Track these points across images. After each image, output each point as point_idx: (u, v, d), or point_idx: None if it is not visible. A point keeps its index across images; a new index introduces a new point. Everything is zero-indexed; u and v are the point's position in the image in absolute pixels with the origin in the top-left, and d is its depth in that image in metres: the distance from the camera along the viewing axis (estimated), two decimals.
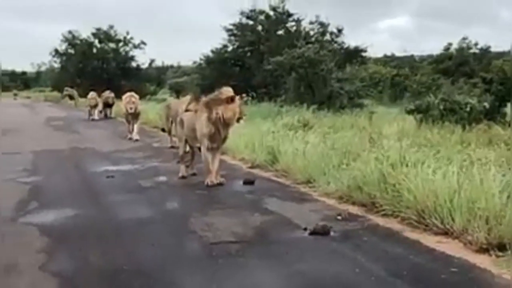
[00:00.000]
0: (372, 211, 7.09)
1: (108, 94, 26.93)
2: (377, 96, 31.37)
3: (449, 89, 26.25)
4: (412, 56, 59.50)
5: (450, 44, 49.60)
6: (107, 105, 27.06)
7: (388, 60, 54.62)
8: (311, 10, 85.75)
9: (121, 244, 6.26)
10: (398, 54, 54.63)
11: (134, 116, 17.07)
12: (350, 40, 34.94)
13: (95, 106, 27.13)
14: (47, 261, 5.73)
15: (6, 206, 8.27)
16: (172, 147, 13.95)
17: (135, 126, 17.04)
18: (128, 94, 17.55)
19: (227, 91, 9.13)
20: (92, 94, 27.78)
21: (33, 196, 9.06)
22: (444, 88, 28.32)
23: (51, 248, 6.16)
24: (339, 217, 6.93)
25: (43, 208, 8.17)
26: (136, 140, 16.46)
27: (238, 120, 9.30)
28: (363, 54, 34.27)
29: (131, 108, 16.95)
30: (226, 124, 9.15)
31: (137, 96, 17.59)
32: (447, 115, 13.39)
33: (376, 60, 47.47)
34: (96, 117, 26.62)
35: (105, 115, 27.17)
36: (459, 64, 44.84)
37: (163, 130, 15.62)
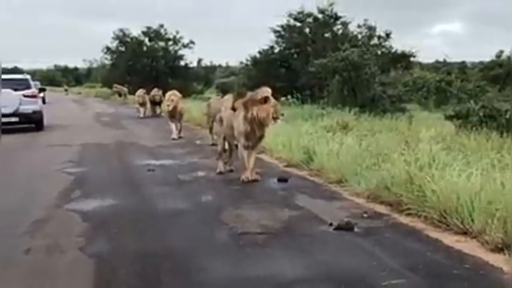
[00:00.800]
0: (397, 210, 7.33)
1: (156, 92, 26.84)
2: (422, 102, 31.28)
3: (492, 96, 26.02)
4: (463, 62, 58.76)
5: (501, 51, 48.90)
6: (155, 103, 27.02)
7: (438, 65, 54.03)
8: (363, 13, 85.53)
9: (155, 231, 6.69)
10: (449, 59, 53.91)
11: (174, 114, 17.23)
12: (400, 44, 34.64)
13: (144, 103, 27.21)
14: (86, 243, 6.20)
15: (51, 194, 8.86)
16: (213, 144, 14.34)
17: (178, 125, 17.19)
18: (169, 92, 17.78)
19: (263, 91, 9.45)
20: (140, 91, 27.89)
21: (77, 185, 9.64)
22: (488, 95, 28.05)
23: (91, 233, 6.65)
24: (364, 215, 7.21)
25: (85, 196, 8.72)
26: (173, 139, 16.62)
27: (274, 119, 9.59)
28: (412, 59, 34.18)
29: (168, 106, 17.28)
30: (261, 123, 9.46)
31: (178, 95, 17.52)
32: (487, 121, 13.45)
33: (426, 65, 47.11)
34: (141, 114, 26.64)
35: (153, 113, 27.04)
36: (509, 72, 44.17)
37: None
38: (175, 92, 17.80)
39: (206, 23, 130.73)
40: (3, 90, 18.21)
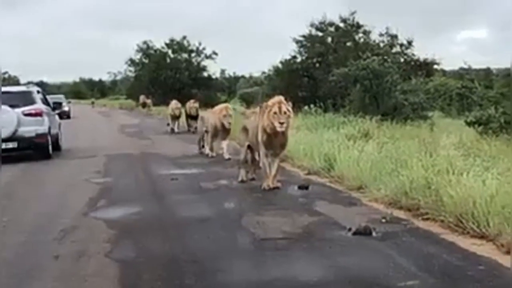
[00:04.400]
0: (415, 215, 7.46)
1: (192, 103, 23.44)
2: (445, 109, 31.23)
3: None
4: (488, 69, 58.23)
5: None
6: (191, 116, 22.99)
7: (463, 72, 53.63)
8: (385, 20, 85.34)
9: (178, 237, 6.92)
10: (474, 66, 53.56)
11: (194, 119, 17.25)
12: (423, 51, 34.47)
13: (178, 117, 24.54)
14: (112, 249, 6.45)
15: (79, 203, 9.17)
16: (202, 153, 15.35)
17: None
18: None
19: (273, 100, 9.67)
20: (175, 103, 25.20)
21: (103, 194, 9.95)
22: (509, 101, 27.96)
23: (116, 239, 6.90)
24: (383, 220, 7.34)
25: (111, 205, 9.05)
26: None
27: (281, 124, 9.50)
28: (435, 66, 34.14)
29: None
30: (273, 132, 9.61)
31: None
32: (507, 127, 13.53)
33: (449, 72, 46.92)
34: (175, 129, 24.21)
35: (188, 128, 23.34)
36: None
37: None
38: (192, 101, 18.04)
39: (229, 34, 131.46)
40: None
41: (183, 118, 24.36)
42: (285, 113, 9.51)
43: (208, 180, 11.11)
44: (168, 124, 24.86)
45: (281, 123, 9.46)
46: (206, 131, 15.31)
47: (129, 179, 11.68)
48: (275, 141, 9.77)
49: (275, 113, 9.46)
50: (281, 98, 9.75)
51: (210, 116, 15.02)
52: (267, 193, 9.56)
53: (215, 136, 14.79)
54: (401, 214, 7.68)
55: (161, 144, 19.07)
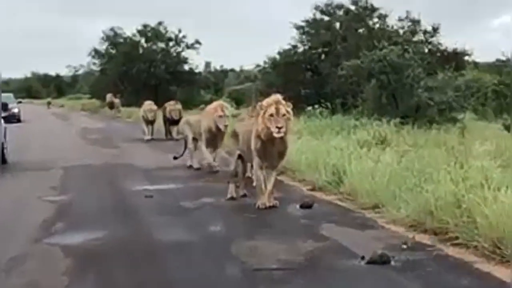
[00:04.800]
0: (443, 240, 7.47)
1: (174, 105, 23.51)
2: (479, 110, 31.20)
3: None
4: None
5: None
6: (171, 121, 23.13)
7: (500, 65, 53.54)
8: (405, 4, 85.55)
9: (153, 268, 6.89)
10: None
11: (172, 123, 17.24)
12: (452, 39, 34.61)
13: (153, 121, 24.29)
14: (70, 283, 6.41)
15: (30, 226, 9.15)
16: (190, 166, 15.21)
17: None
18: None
19: (269, 100, 9.67)
20: (149, 104, 24.91)
21: (60, 215, 9.95)
22: None
23: (75, 270, 6.86)
24: (403, 246, 7.34)
25: (69, 228, 9.01)
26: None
27: (279, 129, 9.51)
28: (466, 58, 34.26)
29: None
30: (270, 139, 9.62)
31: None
32: None
33: (483, 65, 46.97)
34: (148, 136, 23.94)
35: (167, 135, 23.68)
36: None
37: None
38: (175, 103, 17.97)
39: (215, 20, 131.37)
40: None
41: (160, 122, 24.40)
42: (283, 115, 9.52)
43: (189, 197, 11.12)
44: (144, 133, 24.38)
45: (279, 128, 9.44)
46: (195, 138, 15.22)
47: (92, 197, 11.65)
48: (272, 149, 9.77)
49: (271, 115, 9.47)
50: (279, 97, 9.75)
51: (203, 119, 14.59)
52: (262, 212, 9.58)
53: (210, 143, 14.54)
54: (425, 238, 7.68)
55: (132, 153, 19.06)
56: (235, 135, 10.86)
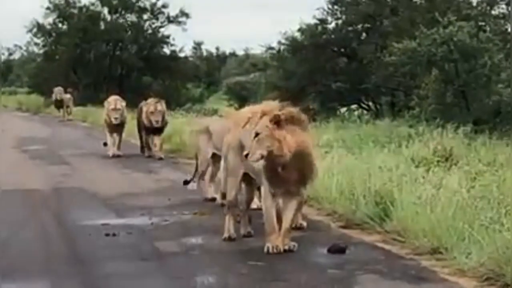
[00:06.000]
0: None
1: (155, 104, 22.23)
2: None
3: None
4: None
5: None
6: (151, 129, 22.25)
7: None
8: None
9: None
10: None
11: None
12: None
13: (120, 126, 23.30)
14: None
15: None
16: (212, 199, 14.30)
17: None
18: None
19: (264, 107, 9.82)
20: (115, 101, 23.71)
21: None
22: None
23: None
24: None
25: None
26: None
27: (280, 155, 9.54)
28: None
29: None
30: (279, 159, 9.59)
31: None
32: None
33: None
34: (113, 151, 23.05)
35: (143, 148, 23.16)
36: None
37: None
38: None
39: None
40: None
41: (132, 129, 24.28)
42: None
43: (169, 236, 11.16)
44: (105, 144, 23.87)
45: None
46: (215, 154, 13.96)
47: (29, 235, 11.60)
48: (289, 169, 9.71)
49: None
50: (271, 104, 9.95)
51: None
52: (273, 259, 9.55)
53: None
54: None
55: (88, 172, 19.08)
56: (239, 148, 10.75)
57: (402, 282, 8.49)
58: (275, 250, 9.75)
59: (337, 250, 9.91)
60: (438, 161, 14.70)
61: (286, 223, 9.89)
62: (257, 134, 9.49)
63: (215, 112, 34.81)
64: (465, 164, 14.09)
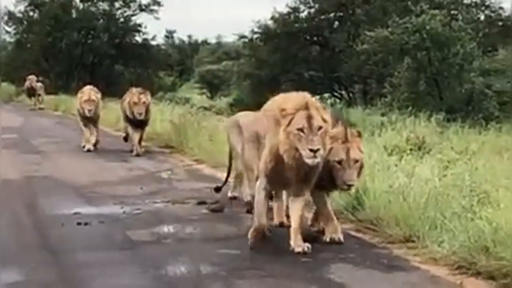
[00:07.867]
0: (503, 286, 7.51)
1: (139, 95, 20.37)
2: None
3: None
4: None
5: None
6: (135, 122, 20.46)
7: None
8: None
9: None
10: None
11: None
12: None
13: (93, 118, 21.80)
14: None
15: None
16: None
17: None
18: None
19: (295, 102, 9.12)
20: (89, 91, 22.29)
21: None
22: None
23: None
24: None
25: None
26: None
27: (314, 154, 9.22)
28: None
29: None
30: (296, 164, 9.12)
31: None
32: None
33: None
34: (90, 145, 21.45)
35: (126, 138, 21.66)
36: None
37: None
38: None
39: None
40: None
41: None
42: (319, 128, 8.91)
43: (141, 225, 11.14)
44: (84, 146, 21.63)
45: (314, 151, 8.86)
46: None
47: (1, 224, 11.50)
48: (294, 173, 9.33)
49: (301, 129, 8.91)
50: (308, 97, 9.27)
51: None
52: (246, 248, 9.53)
53: None
54: (479, 285, 7.71)
55: (60, 161, 19.02)
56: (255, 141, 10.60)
57: (375, 270, 8.51)
58: (306, 250, 9.35)
59: (312, 239, 9.83)
60: (410, 149, 14.71)
61: (295, 223, 9.61)
62: (320, 128, 8.87)
63: (187, 101, 34.64)
64: (437, 152, 14.15)
